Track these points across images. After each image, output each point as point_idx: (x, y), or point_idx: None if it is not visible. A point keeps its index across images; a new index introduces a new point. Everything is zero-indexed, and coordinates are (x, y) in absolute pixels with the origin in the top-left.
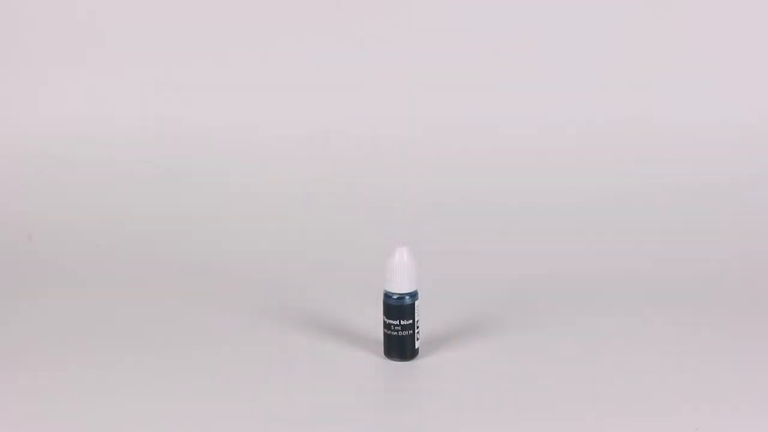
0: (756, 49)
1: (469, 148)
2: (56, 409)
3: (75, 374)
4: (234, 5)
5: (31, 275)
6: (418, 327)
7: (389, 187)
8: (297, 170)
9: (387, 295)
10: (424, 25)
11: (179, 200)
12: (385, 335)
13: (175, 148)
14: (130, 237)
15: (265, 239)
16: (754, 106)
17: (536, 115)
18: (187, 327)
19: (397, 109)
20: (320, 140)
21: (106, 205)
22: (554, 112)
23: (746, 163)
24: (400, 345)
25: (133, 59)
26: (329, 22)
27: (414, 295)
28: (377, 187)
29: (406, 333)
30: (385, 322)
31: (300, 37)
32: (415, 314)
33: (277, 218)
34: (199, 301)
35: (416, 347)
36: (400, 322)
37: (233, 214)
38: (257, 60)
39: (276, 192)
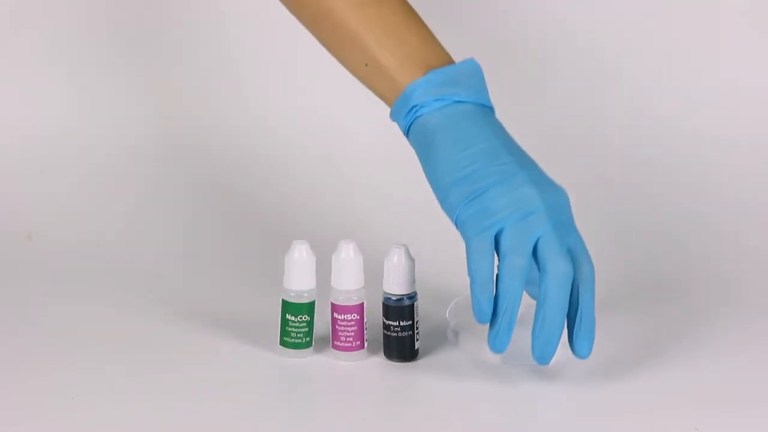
0: (756, 48)
1: None
2: (56, 410)
3: (74, 375)
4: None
5: (31, 275)
6: (417, 328)
7: (388, 187)
8: (295, 169)
9: (386, 296)
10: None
11: (180, 200)
12: (385, 336)
13: (175, 148)
14: (130, 237)
15: (265, 240)
16: (754, 107)
17: (535, 114)
18: (189, 327)
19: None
20: (318, 139)
21: (106, 204)
22: (553, 112)
23: (746, 164)
24: (399, 346)
25: (133, 58)
26: None
27: (413, 296)
28: (376, 186)
29: (405, 334)
30: (384, 323)
31: (297, 35)
32: (415, 315)
33: (276, 219)
34: (201, 300)
35: (416, 348)
36: (399, 323)
37: (231, 214)
38: (252, 60)
39: (274, 192)
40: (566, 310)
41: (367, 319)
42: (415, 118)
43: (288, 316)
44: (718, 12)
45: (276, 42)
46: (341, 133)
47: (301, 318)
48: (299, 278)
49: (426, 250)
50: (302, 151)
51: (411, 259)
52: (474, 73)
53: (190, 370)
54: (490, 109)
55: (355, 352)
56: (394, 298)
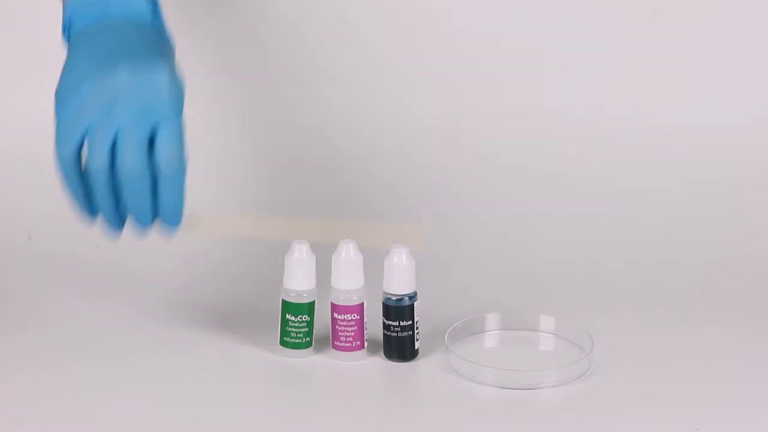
0: (756, 48)
1: (466, 147)
2: (56, 410)
3: (74, 375)
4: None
5: (31, 275)
6: (417, 328)
7: (388, 186)
8: (296, 169)
9: (386, 297)
10: (424, 18)
11: None
12: (385, 336)
13: None
14: (130, 237)
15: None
16: (754, 106)
17: (534, 114)
18: (189, 327)
19: (393, 107)
20: (318, 139)
21: None
22: (553, 111)
23: (746, 164)
24: (399, 346)
25: None
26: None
27: (413, 296)
28: (376, 186)
29: (405, 334)
30: (384, 323)
31: (298, 33)
32: (415, 315)
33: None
34: (201, 300)
35: (416, 348)
36: (399, 323)
37: (230, 212)
38: (252, 59)
39: (275, 192)
40: (145, 205)
41: (367, 319)
42: (70, 33)
43: (288, 316)
44: (718, 11)
45: (276, 41)
46: (341, 132)
47: (301, 318)
48: (299, 278)
49: (426, 249)
50: (302, 151)
51: (411, 259)
52: None
53: (189, 370)
54: (144, 20)
55: (355, 352)
56: (394, 298)
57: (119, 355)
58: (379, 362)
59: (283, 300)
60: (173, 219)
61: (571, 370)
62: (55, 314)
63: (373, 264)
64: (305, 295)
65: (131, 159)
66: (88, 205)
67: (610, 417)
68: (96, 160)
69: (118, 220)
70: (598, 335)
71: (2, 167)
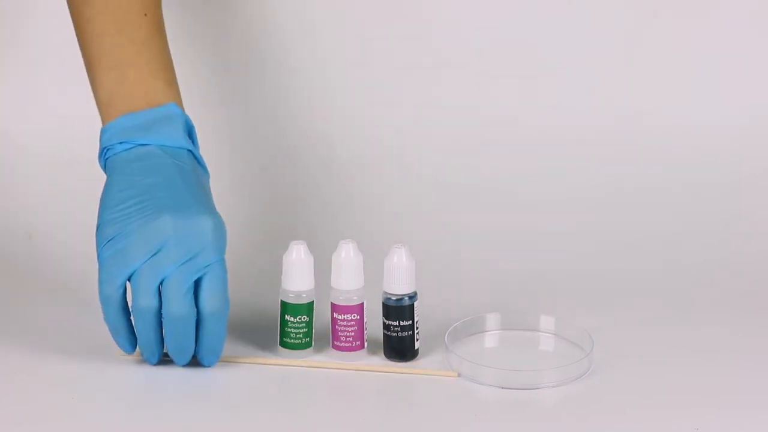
0: (756, 48)
1: (466, 146)
2: (56, 410)
3: (74, 375)
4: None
5: (31, 275)
6: (417, 328)
7: (388, 187)
8: (296, 169)
9: (386, 297)
10: (423, 18)
11: None
12: (385, 336)
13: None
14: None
15: (265, 240)
16: (754, 106)
17: (533, 114)
18: None
19: (394, 107)
20: (318, 139)
21: None
22: (552, 112)
23: (746, 164)
24: (399, 346)
25: None
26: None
27: (413, 296)
28: (376, 186)
29: (405, 334)
30: (384, 323)
31: (297, 36)
32: (415, 315)
33: (276, 219)
34: None
35: (416, 348)
36: (399, 323)
37: (231, 214)
38: (253, 60)
39: (274, 192)
40: (189, 346)
41: (367, 319)
42: (106, 159)
43: (287, 317)
44: (718, 11)
45: (277, 42)
46: (341, 132)
47: (300, 318)
48: (297, 279)
49: (426, 250)
50: (302, 151)
51: (411, 259)
52: (167, 118)
53: (189, 371)
54: (181, 150)
55: (355, 352)
56: (394, 298)
57: (120, 355)
58: (379, 362)
59: (282, 301)
60: (212, 359)
61: (571, 370)
62: (55, 314)
63: (373, 264)
64: (304, 295)
65: (178, 306)
66: (128, 338)
67: (610, 417)
68: (143, 302)
69: (157, 353)
70: (598, 335)
71: (2, 167)
